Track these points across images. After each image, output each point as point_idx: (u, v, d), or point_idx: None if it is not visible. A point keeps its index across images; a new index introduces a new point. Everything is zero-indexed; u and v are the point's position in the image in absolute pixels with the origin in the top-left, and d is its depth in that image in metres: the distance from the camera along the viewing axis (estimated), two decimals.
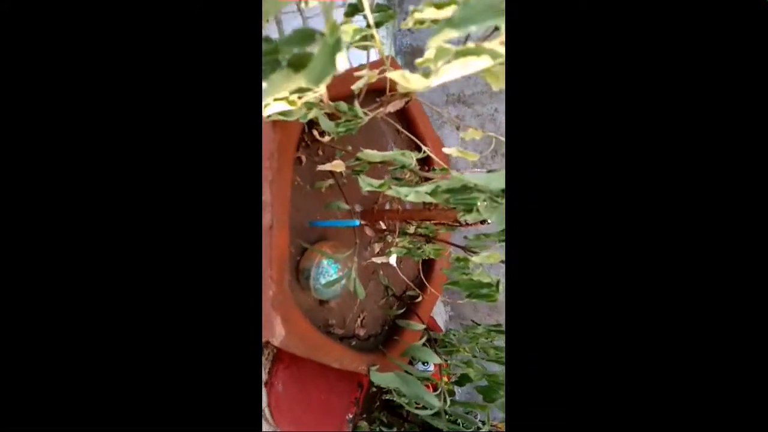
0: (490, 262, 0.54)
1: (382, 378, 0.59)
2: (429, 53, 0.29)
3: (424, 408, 0.59)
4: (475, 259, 0.54)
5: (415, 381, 0.57)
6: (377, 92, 0.50)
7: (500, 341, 0.82)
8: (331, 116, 0.47)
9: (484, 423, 0.66)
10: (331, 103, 0.42)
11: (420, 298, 0.76)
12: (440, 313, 1.36)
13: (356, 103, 0.41)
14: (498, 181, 0.33)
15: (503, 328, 0.83)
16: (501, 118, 1.03)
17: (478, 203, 0.34)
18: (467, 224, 0.61)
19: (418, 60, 0.31)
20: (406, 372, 0.58)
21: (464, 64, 0.24)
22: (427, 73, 0.32)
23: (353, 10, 0.39)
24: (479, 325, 0.86)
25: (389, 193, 0.42)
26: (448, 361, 0.84)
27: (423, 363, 0.93)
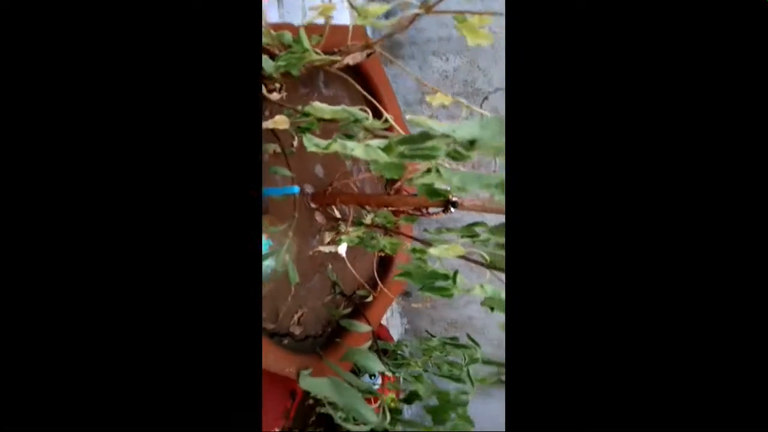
0: (449, 255, 0.47)
1: (313, 384, 0.50)
2: None
3: (360, 423, 0.50)
4: (432, 250, 0.47)
5: (352, 390, 0.48)
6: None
7: (455, 356, 0.75)
8: (273, 57, 0.40)
9: None
10: (273, 31, 0.34)
11: (370, 298, 0.68)
12: (396, 326, 1.28)
13: (302, 32, 0.34)
14: (466, 130, 0.26)
15: (460, 342, 0.76)
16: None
17: (439, 154, 0.27)
18: (428, 213, 0.54)
19: None
20: (347, 382, 0.49)
21: None
22: None
23: None
24: (434, 336, 0.79)
25: (335, 147, 0.34)
26: (397, 374, 0.76)
27: (370, 376, 0.84)
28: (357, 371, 0.72)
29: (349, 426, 0.49)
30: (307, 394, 0.71)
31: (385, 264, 0.78)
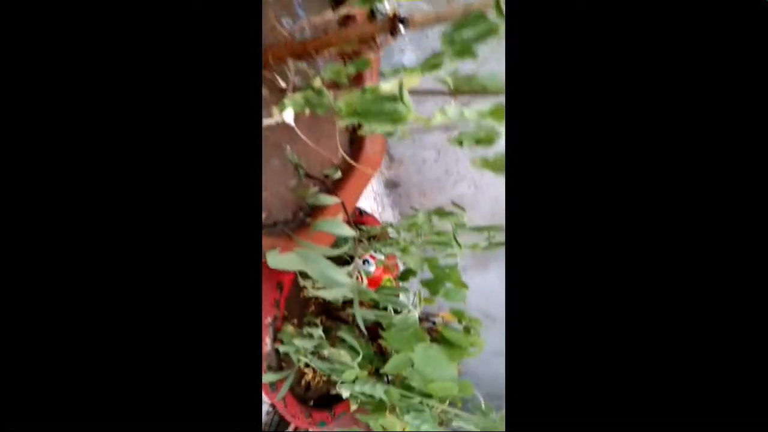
0: (407, 86, 0.38)
1: (280, 260, 0.46)
2: None
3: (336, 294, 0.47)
4: (383, 86, 0.39)
5: (320, 258, 0.44)
6: None
7: (443, 226, 0.72)
8: None
9: (415, 306, 0.56)
10: None
11: (338, 174, 0.62)
12: (387, 219, 1.26)
13: None
14: None
15: (445, 211, 0.72)
16: None
17: None
18: (376, 44, 0.44)
19: None
20: (318, 254, 0.45)
21: None
22: None
23: None
24: (418, 210, 0.75)
25: None
26: (384, 252, 0.73)
27: (364, 262, 0.83)
28: (349, 260, 0.69)
29: (324, 294, 0.46)
30: (297, 285, 0.70)
31: (358, 141, 0.70)
